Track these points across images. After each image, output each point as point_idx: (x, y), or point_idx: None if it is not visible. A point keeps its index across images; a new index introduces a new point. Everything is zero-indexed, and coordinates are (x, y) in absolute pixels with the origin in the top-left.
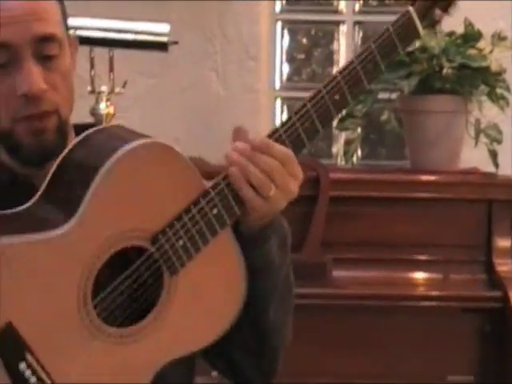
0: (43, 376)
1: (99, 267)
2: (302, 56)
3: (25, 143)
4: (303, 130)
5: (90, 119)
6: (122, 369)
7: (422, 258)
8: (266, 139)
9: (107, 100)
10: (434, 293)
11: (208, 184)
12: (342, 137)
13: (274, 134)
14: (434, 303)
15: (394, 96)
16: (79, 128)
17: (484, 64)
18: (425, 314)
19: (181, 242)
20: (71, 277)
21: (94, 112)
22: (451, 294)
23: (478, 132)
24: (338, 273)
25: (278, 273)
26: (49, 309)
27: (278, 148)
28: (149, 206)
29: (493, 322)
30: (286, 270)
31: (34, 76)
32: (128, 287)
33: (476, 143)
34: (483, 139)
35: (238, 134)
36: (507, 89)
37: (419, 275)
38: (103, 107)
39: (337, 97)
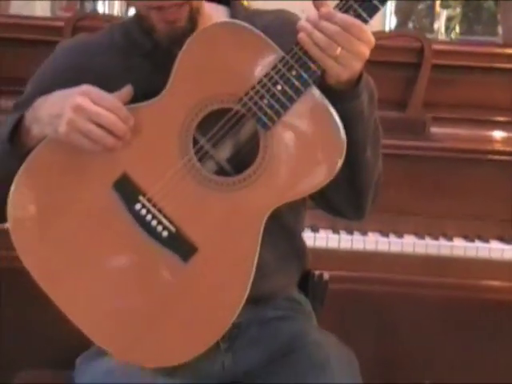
0: (156, 213)
1: (195, 125)
2: None
3: (158, 28)
4: None
5: None
6: (233, 211)
7: (508, 119)
8: (331, 9)
9: None
10: None
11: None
12: (444, 14)
13: (345, 3)
14: None
15: None
16: None
17: None
18: (508, 168)
19: (265, 101)
20: (171, 134)
21: None
22: None
23: None
24: (436, 129)
25: (369, 122)
26: (155, 159)
27: (340, 16)
28: (232, 74)
29: None
30: (374, 121)
31: None
32: (224, 141)
33: None
34: None
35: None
36: None
37: (503, 134)
38: None
39: None
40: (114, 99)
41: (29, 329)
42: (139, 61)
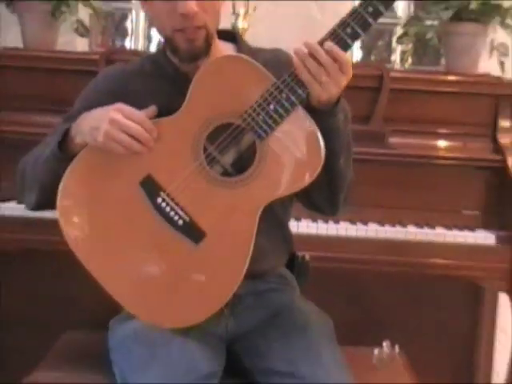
0: (174, 206)
1: (205, 136)
2: None
3: (181, 47)
4: (350, 35)
5: None
6: (235, 205)
7: (450, 131)
8: (328, 43)
9: (243, 19)
10: (457, 155)
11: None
12: (399, 49)
13: (333, 34)
14: (457, 162)
15: (436, 22)
16: (221, 32)
17: (499, 2)
18: (450, 170)
19: (260, 117)
20: (186, 143)
21: (234, 26)
22: (468, 156)
23: (492, 48)
24: (393, 139)
25: (343, 136)
26: (173, 163)
27: (336, 49)
28: (235, 96)
29: (495, 175)
30: (347, 136)
31: (190, 1)
32: (228, 149)
33: (490, 56)
34: (495, 53)
35: None
36: None
37: (446, 143)
38: (240, 23)
39: (370, 9)
40: (141, 114)
41: (71, 298)
42: (164, 84)
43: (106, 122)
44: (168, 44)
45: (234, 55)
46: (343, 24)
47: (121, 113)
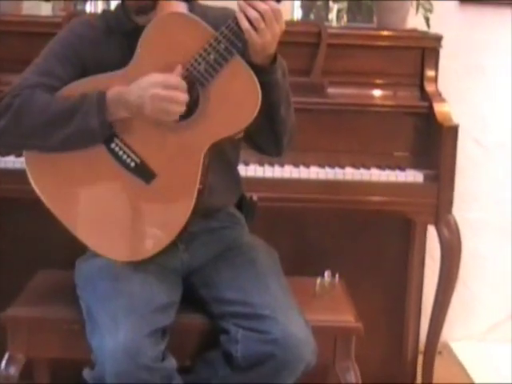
0: (126, 149)
1: None
2: None
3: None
4: None
5: None
6: (181, 147)
7: (382, 81)
8: None
9: None
10: (389, 102)
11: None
12: (335, 8)
13: None
14: (388, 109)
15: None
16: None
17: None
18: (383, 116)
19: (202, 67)
20: None
21: None
22: (399, 104)
23: (418, 6)
24: (331, 90)
25: (283, 89)
26: None
27: (272, 2)
28: (181, 49)
29: (422, 121)
30: (286, 90)
31: None
32: None
33: (416, 13)
34: (421, 10)
35: None
36: None
37: (379, 92)
38: None
39: None
40: (175, 79)
41: (42, 239)
42: (125, 39)
43: (149, 98)
44: None
45: (175, 12)
46: None
47: (160, 86)
